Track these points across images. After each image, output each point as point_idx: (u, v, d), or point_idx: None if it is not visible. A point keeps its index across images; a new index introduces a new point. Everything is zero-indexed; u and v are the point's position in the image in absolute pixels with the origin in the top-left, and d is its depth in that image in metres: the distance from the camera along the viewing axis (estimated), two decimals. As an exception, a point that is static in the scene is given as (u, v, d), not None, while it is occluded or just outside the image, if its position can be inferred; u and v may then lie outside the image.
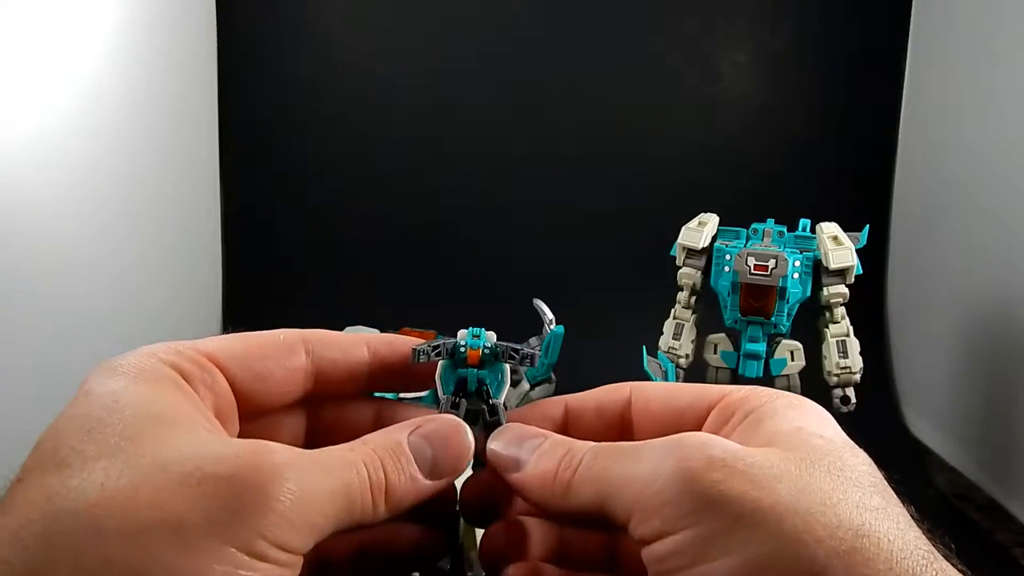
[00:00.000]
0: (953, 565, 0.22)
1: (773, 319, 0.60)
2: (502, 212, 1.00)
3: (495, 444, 0.28)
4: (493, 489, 0.29)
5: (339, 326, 0.33)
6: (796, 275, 0.59)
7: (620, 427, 0.30)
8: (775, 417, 0.26)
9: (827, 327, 0.62)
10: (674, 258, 0.64)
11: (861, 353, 0.61)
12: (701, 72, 0.98)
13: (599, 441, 0.27)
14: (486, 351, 0.30)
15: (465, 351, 0.30)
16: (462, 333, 0.31)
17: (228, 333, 0.29)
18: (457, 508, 0.30)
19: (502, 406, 0.30)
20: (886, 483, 0.24)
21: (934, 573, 0.21)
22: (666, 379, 0.62)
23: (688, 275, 0.63)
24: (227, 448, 0.22)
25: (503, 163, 1.00)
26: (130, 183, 0.76)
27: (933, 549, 0.22)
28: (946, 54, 0.86)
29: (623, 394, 0.31)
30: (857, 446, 0.26)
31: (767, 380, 0.61)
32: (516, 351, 0.31)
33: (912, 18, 0.92)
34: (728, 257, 0.60)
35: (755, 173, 0.97)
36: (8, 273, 0.57)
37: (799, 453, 0.24)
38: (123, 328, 0.72)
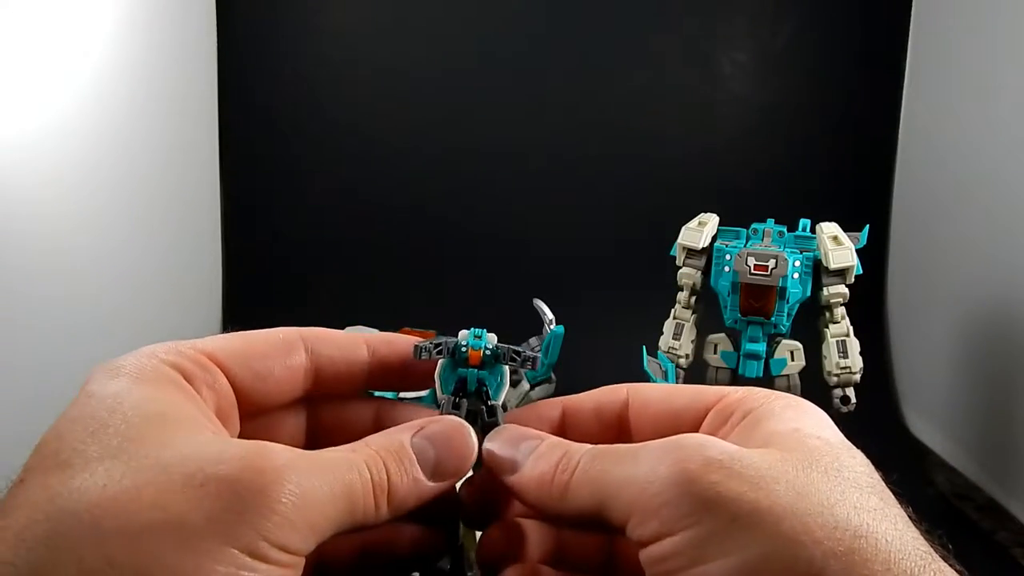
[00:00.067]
0: (951, 566, 0.22)
1: (773, 319, 0.60)
2: (502, 212, 1.00)
3: (491, 445, 0.28)
4: (490, 491, 0.29)
5: (339, 326, 0.33)
6: (796, 275, 0.59)
7: (618, 429, 0.30)
8: (772, 418, 0.26)
9: (827, 327, 0.62)
10: (674, 258, 0.64)
11: (861, 353, 0.61)
12: (701, 72, 0.98)
13: (596, 443, 0.27)
14: (487, 352, 0.30)
15: (466, 351, 0.30)
16: (463, 333, 0.31)
17: (228, 332, 0.29)
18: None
19: (500, 408, 0.30)
20: (884, 484, 0.24)
21: (932, 574, 0.21)
22: (666, 379, 0.62)
23: (688, 275, 0.63)
24: (229, 449, 0.22)
25: (503, 163, 1.00)
26: (130, 183, 0.76)
27: (931, 550, 0.22)
28: (946, 54, 0.86)
29: (620, 396, 0.31)
30: (855, 447, 0.26)
31: (767, 380, 0.61)
32: (518, 354, 0.31)
33: (912, 18, 0.92)
34: (728, 257, 0.60)
35: (755, 173, 0.97)
36: (8, 273, 0.57)
37: (797, 454, 0.24)
38: (123, 328, 0.72)
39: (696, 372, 0.64)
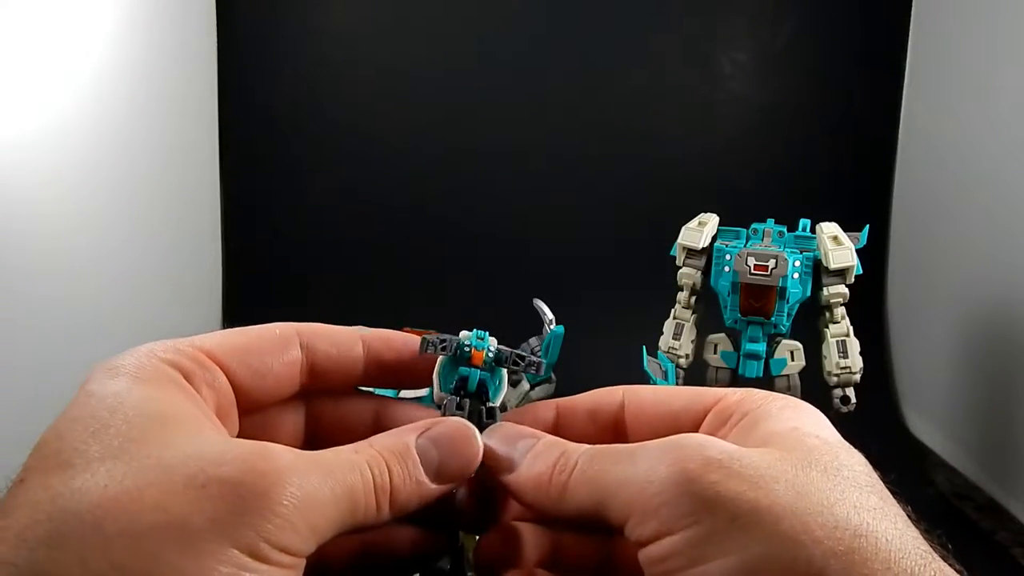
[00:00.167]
0: (951, 565, 0.22)
1: (773, 319, 0.60)
2: (502, 212, 1.00)
3: (488, 441, 0.28)
4: (486, 494, 0.29)
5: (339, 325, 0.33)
6: (796, 275, 0.59)
7: (613, 431, 0.30)
8: (770, 418, 0.26)
9: (827, 327, 0.62)
10: (674, 258, 0.64)
11: (861, 353, 0.61)
12: (701, 72, 0.98)
13: (593, 444, 0.27)
14: (489, 356, 0.30)
15: (469, 351, 0.30)
16: (465, 334, 0.31)
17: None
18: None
19: (499, 410, 0.30)
20: (882, 483, 0.24)
21: (932, 573, 0.21)
22: (666, 379, 0.62)
23: (688, 275, 0.63)
24: (231, 450, 0.22)
25: (503, 163, 1.00)
26: (130, 183, 0.76)
27: (931, 549, 0.22)
28: (946, 54, 0.86)
29: (616, 397, 0.30)
30: (853, 447, 0.26)
31: (767, 380, 0.61)
32: (521, 358, 0.30)
33: (912, 18, 0.92)
34: (728, 257, 0.60)
35: (755, 173, 0.97)
36: (8, 273, 0.57)
37: (796, 453, 0.24)
38: (123, 328, 0.72)
39: (696, 372, 0.64)
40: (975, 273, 0.77)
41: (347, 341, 0.30)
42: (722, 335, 0.63)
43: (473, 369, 0.30)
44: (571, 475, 0.26)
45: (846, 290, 0.60)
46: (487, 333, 0.31)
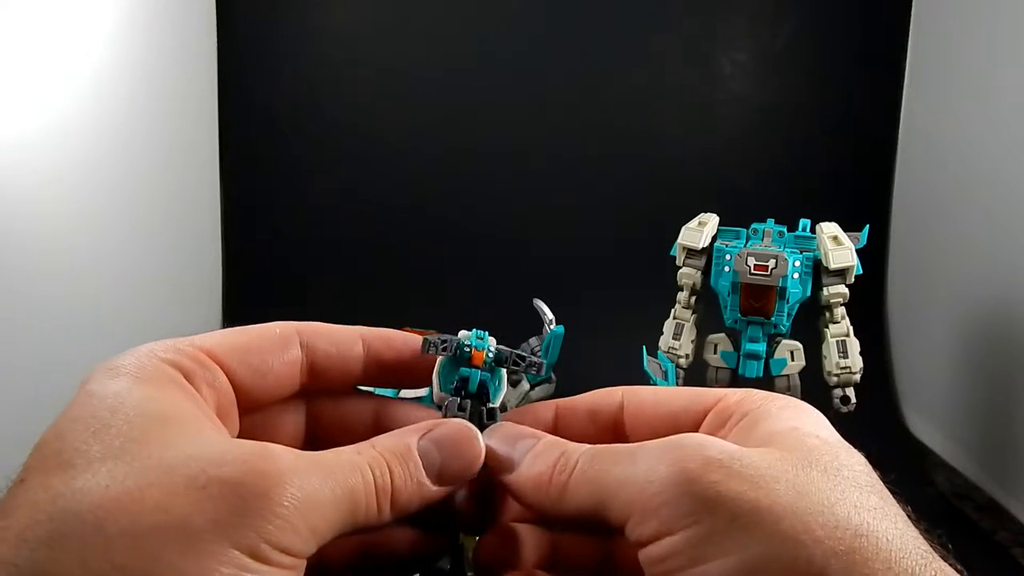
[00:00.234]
0: (951, 565, 0.22)
1: (773, 319, 0.60)
2: (502, 212, 1.00)
3: (489, 441, 0.28)
4: (487, 495, 0.29)
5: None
6: (796, 275, 0.59)
7: (613, 432, 0.30)
8: (770, 418, 0.26)
9: (827, 327, 0.62)
10: (674, 258, 0.64)
11: (861, 353, 0.61)
12: (701, 72, 0.98)
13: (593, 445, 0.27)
14: (489, 355, 0.30)
15: (469, 351, 0.30)
16: (464, 334, 0.31)
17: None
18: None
19: (499, 410, 0.30)
20: (882, 483, 0.24)
21: (933, 573, 0.21)
22: (666, 379, 0.62)
23: (688, 275, 0.63)
24: (232, 450, 0.22)
25: (503, 163, 1.00)
26: (130, 183, 0.76)
27: (931, 549, 0.22)
28: (946, 54, 0.86)
29: (615, 398, 0.30)
30: (852, 447, 0.26)
31: (767, 380, 0.61)
32: (522, 358, 0.30)
33: (912, 18, 0.92)
34: (728, 257, 0.60)
35: (755, 173, 0.97)
36: (8, 273, 0.57)
37: (796, 453, 0.24)
38: (123, 328, 0.72)
39: (696, 372, 0.64)
40: (975, 273, 0.77)
41: (347, 340, 0.30)
42: (722, 335, 0.63)
43: (474, 370, 0.30)
44: (571, 475, 0.26)
45: (846, 290, 0.60)
46: (486, 333, 0.31)
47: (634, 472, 0.24)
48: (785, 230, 0.61)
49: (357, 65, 0.99)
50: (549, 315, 0.67)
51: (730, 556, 0.21)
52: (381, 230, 1.00)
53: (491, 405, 0.30)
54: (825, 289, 0.60)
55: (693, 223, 0.63)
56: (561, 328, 0.62)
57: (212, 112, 0.95)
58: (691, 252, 0.62)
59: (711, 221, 0.63)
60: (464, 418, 0.29)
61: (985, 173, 0.76)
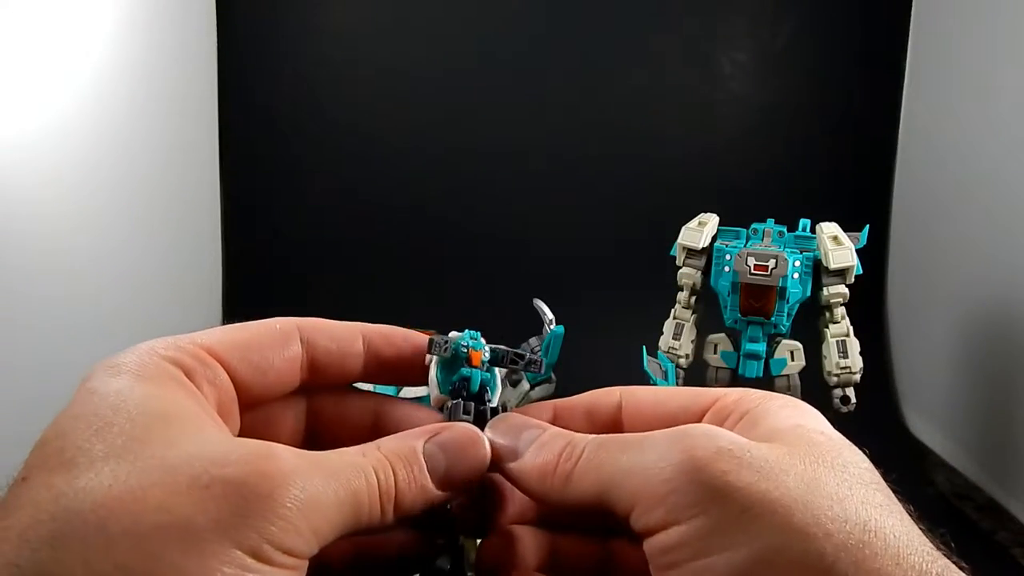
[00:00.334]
0: (955, 563, 0.22)
1: (773, 319, 0.60)
2: (502, 212, 1.00)
3: (492, 433, 0.28)
4: (486, 496, 0.29)
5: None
6: (796, 275, 0.59)
7: (611, 431, 0.30)
8: (771, 416, 0.26)
9: (827, 327, 0.62)
10: (674, 258, 0.64)
11: (861, 353, 0.61)
12: (701, 72, 0.98)
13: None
14: (486, 355, 0.30)
15: (467, 351, 0.30)
16: (455, 335, 0.31)
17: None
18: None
19: (501, 410, 0.30)
20: (884, 481, 0.24)
21: (940, 569, 0.21)
22: (666, 379, 0.62)
23: (688, 275, 0.63)
24: (235, 450, 0.22)
25: (503, 163, 1.00)
26: (130, 183, 0.76)
27: (935, 546, 0.22)
28: (946, 54, 0.86)
29: (613, 398, 0.30)
30: (854, 445, 0.26)
31: (767, 380, 0.61)
32: (520, 356, 0.30)
33: (912, 18, 0.92)
34: (728, 257, 0.60)
35: (755, 173, 0.97)
36: (8, 273, 0.57)
37: (803, 449, 0.24)
38: (123, 328, 0.72)
39: (696, 372, 0.64)
40: (975, 273, 0.77)
41: (347, 336, 0.30)
42: (722, 335, 0.63)
43: (475, 370, 0.30)
44: (577, 463, 0.25)
45: (846, 290, 0.60)
46: (479, 334, 0.31)
47: (641, 460, 0.24)
48: (785, 230, 0.61)
49: (357, 65, 0.99)
50: (549, 315, 0.67)
51: (739, 548, 0.21)
52: (381, 230, 1.00)
53: (491, 405, 0.30)
54: (825, 289, 0.60)
55: (693, 223, 0.63)
56: (561, 328, 0.62)
57: (212, 112, 0.95)
58: (691, 252, 0.62)
59: (711, 221, 0.63)
60: (469, 421, 0.28)
61: (985, 173, 0.76)
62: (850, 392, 0.61)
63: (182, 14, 0.88)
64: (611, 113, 0.98)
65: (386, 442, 0.26)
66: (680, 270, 0.63)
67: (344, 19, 0.99)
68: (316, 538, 0.22)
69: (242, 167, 0.98)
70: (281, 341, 0.28)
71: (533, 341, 0.70)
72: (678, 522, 0.22)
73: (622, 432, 0.30)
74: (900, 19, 0.93)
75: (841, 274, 0.60)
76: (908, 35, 0.93)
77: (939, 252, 0.84)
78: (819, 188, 0.96)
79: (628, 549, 0.29)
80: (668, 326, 0.64)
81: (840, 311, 0.61)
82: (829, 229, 0.61)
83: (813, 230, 0.61)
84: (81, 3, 0.68)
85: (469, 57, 0.99)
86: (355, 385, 0.32)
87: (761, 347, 0.61)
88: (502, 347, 0.31)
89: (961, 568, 0.22)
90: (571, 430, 0.30)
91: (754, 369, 0.61)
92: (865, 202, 0.96)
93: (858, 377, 0.61)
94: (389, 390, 0.39)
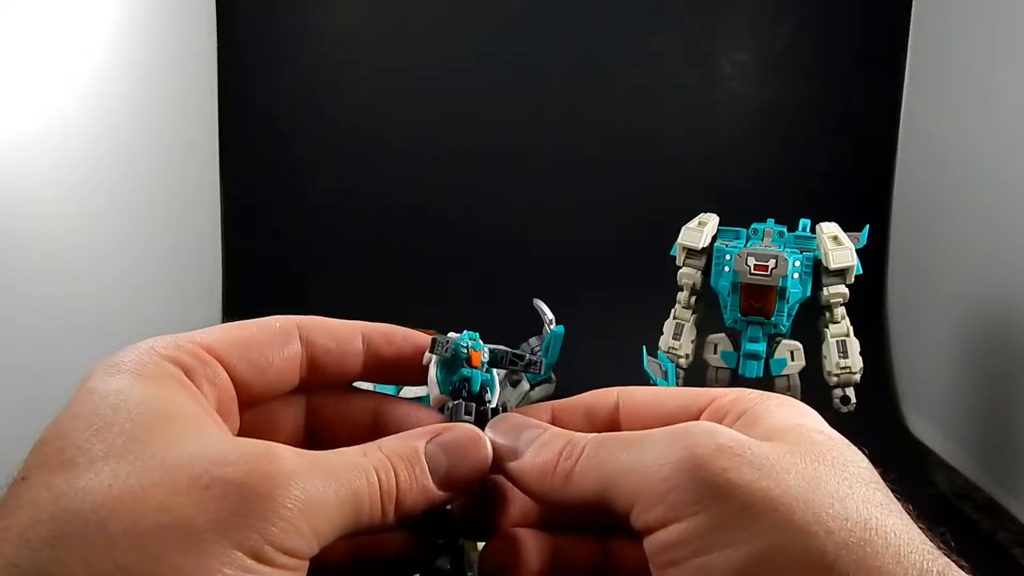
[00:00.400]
0: (955, 562, 0.22)
1: (773, 319, 0.60)
2: (502, 212, 1.00)
3: (492, 433, 0.28)
4: (486, 497, 0.29)
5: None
6: (796, 275, 0.59)
7: (609, 431, 0.30)
8: (769, 415, 0.26)
9: (827, 327, 0.62)
10: (674, 258, 0.64)
11: (861, 353, 0.61)
12: (701, 72, 0.98)
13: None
14: (485, 356, 0.30)
15: (467, 352, 0.30)
16: (453, 335, 0.30)
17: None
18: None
19: (501, 410, 0.30)
20: (883, 481, 0.24)
21: (940, 567, 0.21)
22: (666, 379, 0.62)
23: (688, 275, 0.63)
24: (235, 450, 0.22)
25: (503, 163, 1.00)
26: (130, 183, 0.76)
27: (935, 546, 0.22)
28: (946, 54, 0.86)
29: (611, 399, 0.30)
30: (854, 445, 0.26)
31: (767, 380, 0.61)
32: (520, 357, 0.30)
33: (912, 18, 0.92)
34: (728, 257, 0.60)
35: (755, 173, 0.97)
36: (8, 273, 0.57)
37: (804, 447, 0.24)
38: (123, 328, 0.72)
39: (696, 372, 0.64)
40: (975, 273, 0.77)
41: (347, 335, 0.30)
42: (722, 335, 0.63)
43: (475, 370, 0.30)
44: (577, 461, 0.25)
45: (846, 290, 0.60)
46: (477, 335, 0.31)
47: (642, 458, 0.24)
48: (785, 230, 0.61)
49: (357, 65, 0.99)
50: (549, 315, 0.67)
51: (740, 546, 0.21)
52: (381, 230, 1.00)
53: (491, 406, 0.30)
54: (825, 289, 0.60)
55: (693, 223, 0.63)
56: (561, 328, 0.62)
57: (212, 112, 0.95)
58: (691, 252, 0.62)
59: (711, 221, 0.63)
60: (471, 422, 0.28)
61: (985, 173, 0.76)
62: (850, 392, 0.61)
63: (182, 14, 0.88)
64: (611, 113, 0.98)
65: (387, 442, 0.26)
66: (680, 270, 0.63)
67: (344, 19, 0.99)
68: (317, 538, 0.22)
69: (242, 167, 0.98)
70: (281, 339, 0.28)
71: (533, 341, 0.70)
72: (678, 519, 0.22)
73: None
74: (900, 19, 0.93)
75: (841, 274, 0.60)
76: (908, 35, 0.93)
77: (939, 252, 0.84)
78: (819, 188, 0.96)
79: (628, 549, 0.29)
80: (668, 326, 0.64)
81: (840, 311, 0.61)
82: (829, 229, 0.61)
83: (813, 230, 0.61)
84: (81, 3, 0.68)
85: (469, 57, 0.99)
86: (355, 384, 0.32)
87: (761, 347, 0.61)
88: (501, 347, 0.31)
89: (961, 567, 0.22)
90: (570, 430, 0.30)
91: (754, 369, 0.61)
92: (865, 202, 0.96)
93: (858, 377, 0.61)
94: (389, 390, 0.39)
